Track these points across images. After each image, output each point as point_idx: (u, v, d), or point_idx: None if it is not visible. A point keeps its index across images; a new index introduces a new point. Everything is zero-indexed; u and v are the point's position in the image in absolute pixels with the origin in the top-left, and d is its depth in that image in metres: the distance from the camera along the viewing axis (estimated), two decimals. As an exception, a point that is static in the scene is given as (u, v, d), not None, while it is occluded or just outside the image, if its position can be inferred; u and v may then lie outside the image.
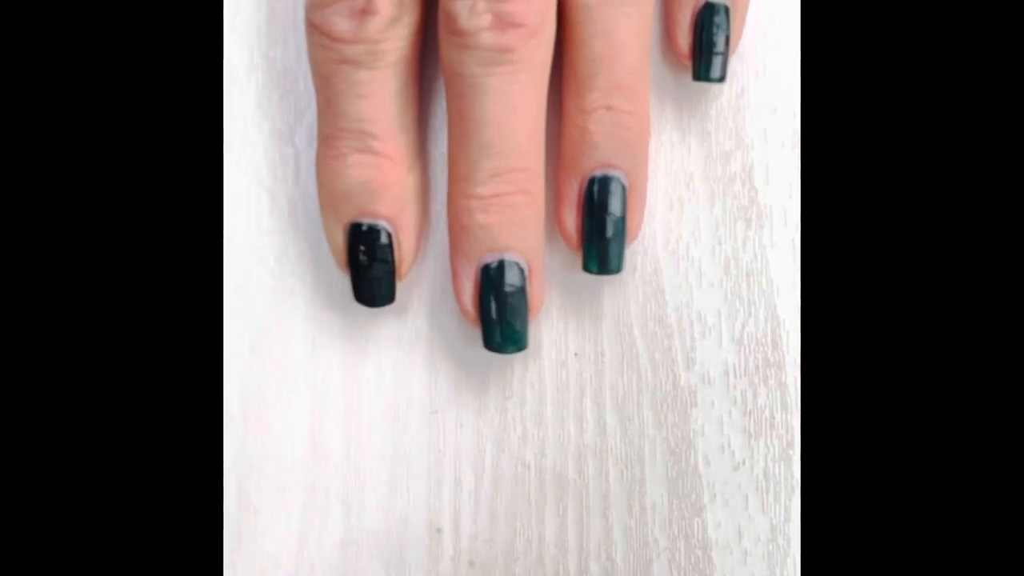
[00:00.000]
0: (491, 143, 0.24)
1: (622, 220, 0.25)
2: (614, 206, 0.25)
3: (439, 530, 0.27)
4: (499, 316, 0.25)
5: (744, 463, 0.26)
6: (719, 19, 0.26)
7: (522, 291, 0.25)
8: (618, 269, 0.26)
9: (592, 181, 0.25)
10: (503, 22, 0.23)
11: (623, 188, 0.25)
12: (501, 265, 0.25)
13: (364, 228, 0.25)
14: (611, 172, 0.25)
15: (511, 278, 0.25)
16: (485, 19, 0.23)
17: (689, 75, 0.26)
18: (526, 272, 0.25)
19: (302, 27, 0.26)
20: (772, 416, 0.26)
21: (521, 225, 0.25)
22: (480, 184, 0.24)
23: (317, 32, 0.24)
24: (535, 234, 0.25)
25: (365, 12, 0.24)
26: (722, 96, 0.27)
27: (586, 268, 0.26)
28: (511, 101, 0.24)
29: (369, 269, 0.25)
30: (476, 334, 0.26)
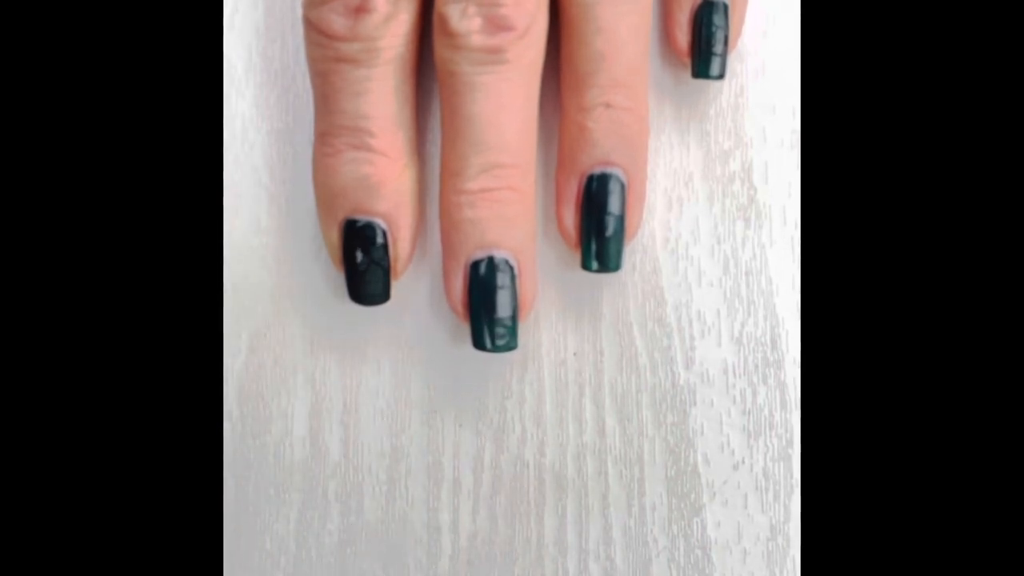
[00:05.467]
0: (480, 140, 0.24)
1: (621, 218, 0.25)
2: (613, 204, 0.25)
3: (438, 530, 0.27)
4: (487, 314, 0.25)
5: (743, 462, 0.26)
6: (718, 17, 0.26)
7: (511, 288, 0.25)
8: (617, 267, 0.26)
9: (591, 179, 0.25)
10: (493, 25, 0.23)
11: (622, 186, 0.25)
12: (489, 262, 0.24)
13: (359, 225, 0.25)
14: (610, 170, 0.25)
15: (499, 275, 0.25)
16: (476, 22, 0.23)
17: (688, 74, 0.26)
18: (515, 269, 0.25)
19: (300, 25, 0.26)
20: (771, 415, 0.26)
21: (509, 221, 0.24)
22: (469, 180, 0.24)
23: (314, 30, 0.24)
24: (524, 231, 0.25)
25: (361, 10, 0.24)
26: (721, 95, 0.27)
27: (585, 266, 0.26)
28: (501, 99, 0.24)
29: (364, 267, 0.25)
30: (475, 333, 0.26)
